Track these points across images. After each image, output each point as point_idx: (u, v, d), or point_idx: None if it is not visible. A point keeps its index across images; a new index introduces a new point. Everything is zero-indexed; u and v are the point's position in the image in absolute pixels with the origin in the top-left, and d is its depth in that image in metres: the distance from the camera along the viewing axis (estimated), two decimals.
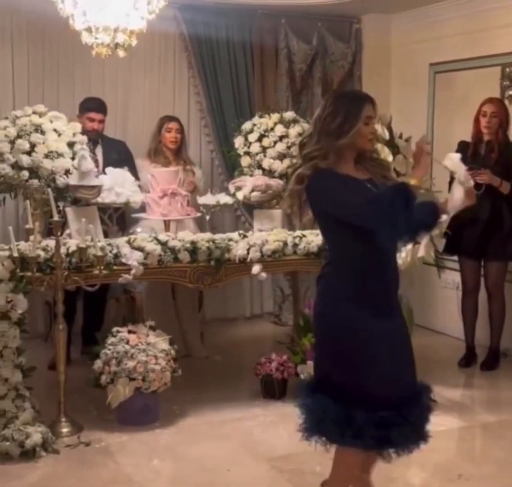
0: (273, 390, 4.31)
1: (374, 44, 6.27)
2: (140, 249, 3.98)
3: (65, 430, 3.82)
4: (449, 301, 5.59)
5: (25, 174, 4.18)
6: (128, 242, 4.01)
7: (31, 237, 3.76)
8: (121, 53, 4.07)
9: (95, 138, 5.03)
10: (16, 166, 4.19)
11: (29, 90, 5.67)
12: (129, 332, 4.02)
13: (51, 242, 3.83)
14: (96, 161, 5.03)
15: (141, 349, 3.89)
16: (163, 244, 4.02)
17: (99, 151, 5.15)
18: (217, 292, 6.04)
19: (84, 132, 4.90)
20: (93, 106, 5.11)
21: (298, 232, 4.38)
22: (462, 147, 5.02)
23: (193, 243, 4.06)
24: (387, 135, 4.64)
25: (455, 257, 5.13)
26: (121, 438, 3.80)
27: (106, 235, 4.37)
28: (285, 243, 4.27)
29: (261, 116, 5.00)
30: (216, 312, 6.33)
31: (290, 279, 5.81)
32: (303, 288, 6.14)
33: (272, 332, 6.05)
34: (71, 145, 4.34)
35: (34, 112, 4.37)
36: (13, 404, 3.72)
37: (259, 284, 6.47)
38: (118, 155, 5.09)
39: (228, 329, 6.14)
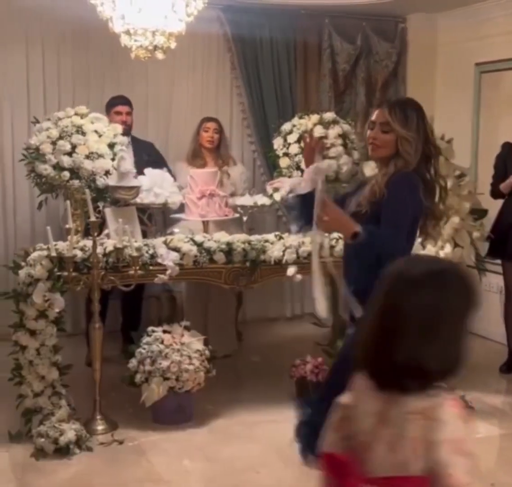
0: (307, 392, 4.29)
1: (419, 43, 6.20)
2: (176, 249, 4.01)
3: (100, 427, 3.88)
4: (492, 305, 5.49)
5: (66, 174, 4.25)
6: (165, 242, 4.04)
7: (69, 237, 3.82)
8: (159, 55, 4.10)
9: (126, 131, 5.10)
10: (58, 167, 4.27)
11: (75, 92, 5.75)
12: (164, 332, 4.05)
13: (88, 242, 3.88)
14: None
15: (175, 349, 3.92)
16: (199, 245, 4.04)
17: (129, 152, 5.20)
18: (257, 292, 6.04)
19: None
20: (117, 100, 5.22)
21: (335, 234, 4.34)
22: (507, 149, 4.93)
23: (228, 244, 4.07)
24: None
25: (499, 261, 5.04)
26: (154, 437, 3.84)
27: (145, 235, 4.41)
28: (321, 246, 4.23)
29: (301, 117, 4.97)
30: (257, 312, 6.34)
31: (330, 281, 5.76)
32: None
33: (312, 333, 6.02)
34: (111, 146, 4.39)
35: (76, 114, 4.44)
36: (49, 401, 3.79)
37: (300, 285, 6.43)
38: (148, 156, 5.14)
39: (268, 329, 6.14)
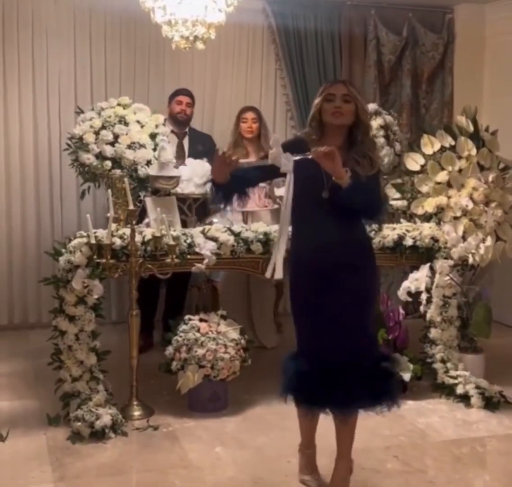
0: None
1: (467, 34, 6.11)
2: (214, 239, 4.04)
3: (135, 413, 3.93)
4: None
5: (108, 164, 4.32)
6: (203, 232, 4.07)
7: (108, 225, 3.87)
8: (200, 45, 4.13)
9: (183, 120, 5.16)
10: (100, 156, 4.34)
11: (121, 83, 5.84)
12: (201, 320, 4.08)
13: (128, 230, 3.93)
14: (183, 152, 5.16)
15: (211, 338, 3.95)
16: (236, 234, 4.06)
17: (186, 142, 5.28)
18: None
19: (173, 117, 5.16)
20: (180, 90, 5.34)
21: (373, 226, 4.32)
22: None
23: (265, 234, 4.08)
24: (471, 128, 4.51)
25: None
26: (189, 424, 3.87)
27: (185, 225, 4.45)
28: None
29: None
30: None
31: None
32: (387, 282, 6.07)
33: None
34: (153, 136, 4.44)
35: (119, 104, 4.50)
36: (87, 386, 3.86)
37: None
38: (203, 147, 5.19)
39: None
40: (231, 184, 2.94)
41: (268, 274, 3.04)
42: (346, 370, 2.93)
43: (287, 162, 2.86)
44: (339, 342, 2.94)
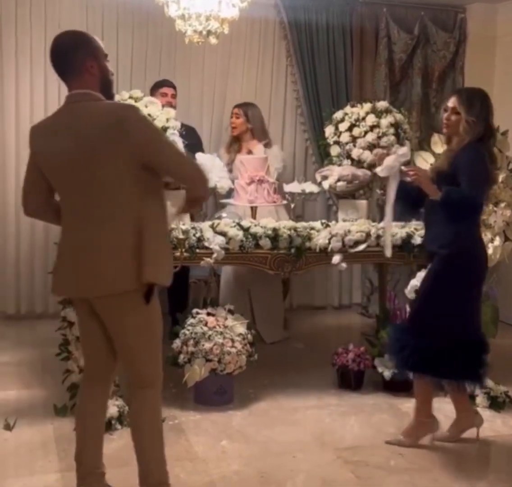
0: (348, 381, 4.30)
1: (478, 34, 6.11)
2: (222, 234, 4.05)
3: None
4: None
5: None
6: (212, 226, 4.08)
7: None
8: (213, 40, 4.14)
9: None
10: None
11: (132, 76, 5.85)
12: (208, 314, 4.10)
13: None
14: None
15: (219, 332, 3.97)
16: (245, 230, 4.07)
17: None
18: (305, 280, 6.08)
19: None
20: (164, 81, 5.34)
21: (382, 224, 4.33)
22: None
23: (274, 230, 4.09)
24: None
25: None
26: (195, 417, 3.90)
27: (193, 219, 4.46)
28: (368, 234, 4.24)
29: (353, 106, 4.95)
30: (304, 300, 6.37)
31: (379, 271, 5.75)
32: (393, 281, 6.08)
33: (358, 323, 6.03)
34: (164, 130, 4.44)
35: (130, 97, 4.50)
36: None
37: (349, 275, 6.45)
38: (189, 140, 5.19)
39: (315, 317, 6.17)
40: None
41: (388, 253, 3.83)
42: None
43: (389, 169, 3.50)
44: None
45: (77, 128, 2.61)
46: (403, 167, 3.48)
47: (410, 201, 3.62)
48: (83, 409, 2.94)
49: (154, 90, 5.29)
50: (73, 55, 2.65)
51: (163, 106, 5.05)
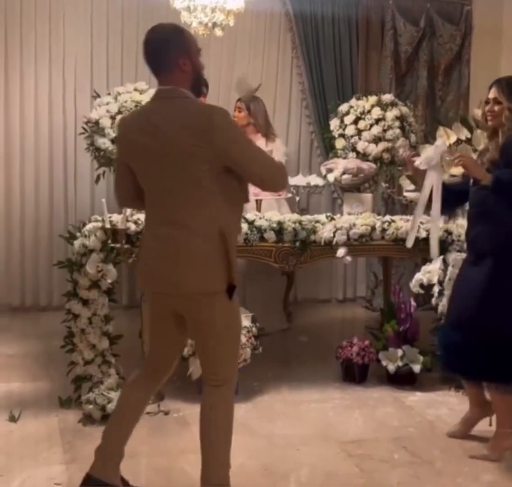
0: (353, 374, 4.30)
1: (484, 26, 6.08)
2: None
3: None
4: None
5: None
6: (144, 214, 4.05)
7: (123, 210, 3.88)
8: (218, 32, 4.13)
9: None
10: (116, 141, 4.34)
11: (137, 68, 5.82)
12: None
13: (142, 216, 3.93)
14: None
15: None
16: (250, 223, 4.07)
17: None
18: (310, 273, 6.07)
19: None
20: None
21: (387, 217, 4.33)
22: None
23: (279, 223, 4.09)
24: None
25: None
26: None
27: None
28: (373, 228, 4.23)
29: (358, 98, 4.94)
30: (308, 293, 6.37)
31: (383, 265, 5.74)
32: (398, 274, 6.07)
33: (362, 316, 6.03)
34: None
35: (135, 89, 4.50)
36: (99, 369, 3.88)
37: (353, 268, 6.45)
38: None
39: (319, 310, 6.16)
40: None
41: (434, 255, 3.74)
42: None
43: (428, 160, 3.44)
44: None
45: (161, 126, 2.59)
46: (446, 156, 3.46)
47: (452, 198, 3.54)
48: (128, 397, 2.93)
49: None
50: (165, 53, 2.60)
51: None
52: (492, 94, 3.33)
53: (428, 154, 3.47)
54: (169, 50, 2.60)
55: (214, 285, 2.62)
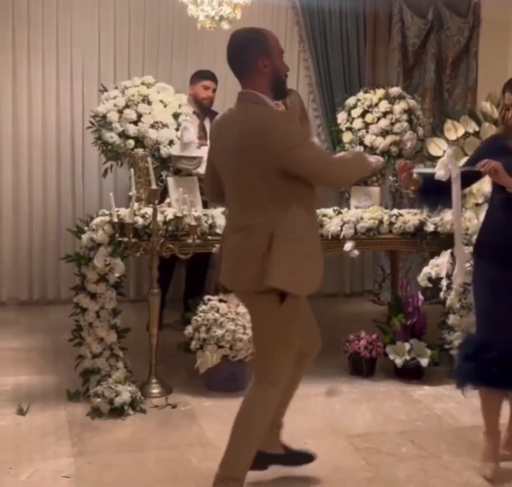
0: (360, 368, 4.31)
1: (493, 19, 6.04)
2: None
3: (154, 391, 3.97)
4: None
5: (131, 143, 4.32)
6: (224, 213, 4.08)
7: (131, 204, 3.89)
8: (225, 26, 4.12)
9: (208, 106, 5.15)
10: (123, 135, 4.34)
11: (144, 62, 5.83)
12: (220, 301, 4.11)
13: (150, 210, 3.95)
14: (205, 133, 5.16)
15: (230, 318, 3.98)
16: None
17: (207, 123, 5.27)
18: None
19: (198, 101, 5.09)
20: (207, 75, 5.27)
21: (394, 211, 4.32)
22: None
23: None
24: (496, 114, 4.47)
25: None
26: (207, 403, 3.91)
27: (206, 205, 4.46)
28: (381, 222, 4.22)
29: (366, 91, 4.93)
30: None
31: (390, 258, 5.74)
32: (405, 268, 6.06)
33: (369, 310, 6.01)
34: (176, 116, 4.44)
35: (142, 83, 4.49)
36: (107, 362, 3.90)
37: (360, 262, 6.43)
38: None
39: (326, 305, 6.13)
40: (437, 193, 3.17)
41: (459, 280, 3.72)
42: None
43: (448, 171, 3.09)
44: None
45: (232, 130, 2.68)
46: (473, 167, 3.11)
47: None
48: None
49: (196, 80, 5.21)
50: (246, 55, 2.65)
51: (203, 99, 5.07)
52: (508, 100, 3.12)
53: (445, 164, 3.16)
54: (249, 52, 2.65)
55: (252, 284, 2.68)
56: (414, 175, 3.18)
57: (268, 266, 2.61)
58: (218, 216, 4.05)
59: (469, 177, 3.14)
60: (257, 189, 2.66)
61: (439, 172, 3.12)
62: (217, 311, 4.01)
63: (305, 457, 3.13)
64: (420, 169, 3.26)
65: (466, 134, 4.51)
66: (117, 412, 3.68)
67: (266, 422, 2.84)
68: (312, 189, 2.74)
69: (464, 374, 3.15)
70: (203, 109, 5.24)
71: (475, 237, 4.22)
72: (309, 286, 2.77)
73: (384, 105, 4.75)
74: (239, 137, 2.64)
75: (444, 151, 3.42)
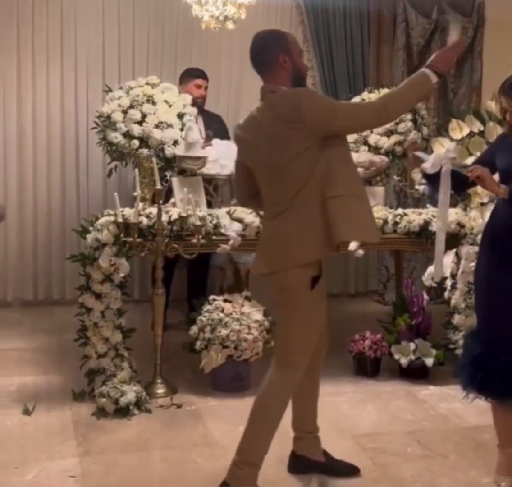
0: (365, 368, 4.30)
1: (497, 18, 6.04)
2: (239, 220, 4.05)
3: (159, 391, 3.96)
4: None
5: (136, 143, 4.34)
6: (228, 213, 4.08)
7: (135, 204, 3.89)
8: (229, 25, 4.12)
9: (201, 105, 5.15)
10: (128, 135, 4.35)
11: (148, 62, 5.85)
12: (225, 301, 4.11)
13: (154, 210, 3.95)
14: (199, 133, 5.16)
15: (235, 318, 3.97)
16: (262, 216, 4.05)
17: (200, 122, 5.26)
18: None
19: (192, 99, 5.04)
20: (198, 73, 5.23)
21: (399, 211, 4.32)
22: None
23: None
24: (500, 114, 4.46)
25: None
26: (212, 403, 3.91)
27: (210, 205, 4.45)
28: (385, 221, 4.22)
29: (370, 91, 4.92)
30: None
31: (395, 258, 5.73)
32: (410, 268, 6.06)
33: (374, 310, 6.01)
34: (180, 116, 4.45)
35: (147, 83, 4.50)
36: (112, 362, 3.90)
37: (365, 262, 6.43)
38: (217, 126, 5.18)
39: (330, 305, 6.03)
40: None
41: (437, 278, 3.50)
42: None
43: (438, 166, 3.05)
44: None
45: (262, 122, 2.76)
46: (462, 169, 3.04)
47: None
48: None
49: (188, 79, 5.16)
50: (266, 52, 2.79)
51: (197, 98, 5.04)
52: (504, 103, 3.08)
53: (437, 158, 3.13)
54: (270, 49, 2.78)
55: (308, 255, 2.77)
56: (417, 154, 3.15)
57: (332, 224, 2.66)
58: (222, 216, 4.05)
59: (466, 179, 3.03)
60: (295, 169, 2.70)
61: (427, 163, 3.09)
62: (222, 311, 4.01)
63: (347, 468, 3.13)
64: (421, 153, 3.19)
65: (471, 134, 4.50)
66: (123, 412, 3.68)
67: (284, 407, 2.87)
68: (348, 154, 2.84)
69: (469, 383, 3.01)
70: (197, 108, 5.21)
71: (479, 237, 4.26)
72: (370, 233, 2.84)
73: None
74: (274, 123, 2.70)
75: (446, 148, 3.36)
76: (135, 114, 4.33)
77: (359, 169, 4.56)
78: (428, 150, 4.76)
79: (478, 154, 4.43)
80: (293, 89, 2.75)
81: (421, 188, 4.58)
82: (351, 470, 3.13)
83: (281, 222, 2.77)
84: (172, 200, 4.29)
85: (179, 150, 4.31)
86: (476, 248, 4.27)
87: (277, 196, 2.79)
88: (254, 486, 2.86)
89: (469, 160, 4.43)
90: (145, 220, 3.91)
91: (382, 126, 2.86)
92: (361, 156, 4.55)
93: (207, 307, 4.07)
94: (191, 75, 5.20)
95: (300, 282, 2.78)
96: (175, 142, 4.37)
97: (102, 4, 5.69)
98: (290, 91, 2.75)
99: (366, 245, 4.17)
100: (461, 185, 3.16)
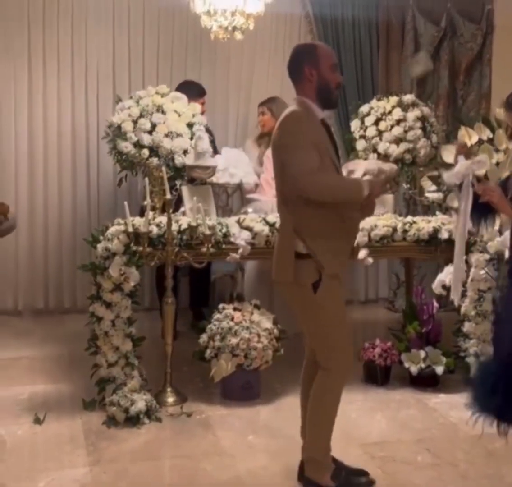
0: (375, 376, 4.29)
1: (506, 25, 6.02)
2: (248, 229, 4.06)
3: (170, 399, 3.97)
4: None
5: (146, 152, 4.35)
6: (238, 222, 4.09)
7: (146, 213, 3.91)
8: (238, 36, 4.14)
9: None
10: (138, 145, 4.37)
11: (159, 71, 5.88)
12: (235, 309, 4.11)
13: (164, 219, 3.97)
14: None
15: (245, 327, 3.98)
16: (271, 225, 4.07)
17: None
18: None
19: None
20: (202, 90, 5.23)
21: (409, 218, 4.32)
22: None
23: None
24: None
25: None
26: (222, 412, 3.92)
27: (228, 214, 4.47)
28: (395, 229, 4.22)
29: (379, 99, 4.93)
30: None
31: (405, 265, 5.72)
32: (419, 275, 6.04)
33: (384, 318, 6.00)
34: (190, 125, 4.46)
35: (157, 93, 4.52)
36: (122, 371, 3.91)
37: (375, 269, 6.43)
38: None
39: None
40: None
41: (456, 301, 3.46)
42: None
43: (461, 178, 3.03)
44: None
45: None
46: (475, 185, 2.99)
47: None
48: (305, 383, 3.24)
49: (195, 97, 4.94)
50: (297, 64, 2.94)
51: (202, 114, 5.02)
52: (508, 118, 3.17)
53: (460, 168, 3.03)
54: (298, 62, 2.93)
55: (284, 277, 2.96)
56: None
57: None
58: (232, 225, 4.06)
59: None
60: (281, 191, 2.97)
61: (450, 173, 3.08)
62: (232, 320, 4.02)
63: (357, 473, 3.14)
64: (462, 158, 3.11)
65: (480, 141, 4.50)
66: (133, 420, 3.69)
67: (335, 407, 3.05)
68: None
69: (485, 409, 2.88)
70: None
71: (489, 244, 4.26)
72: (333, 266, 2.99)
73: (397, 113, 4.75)
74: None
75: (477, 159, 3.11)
76: (145, 123, 4.35)
77: (368, 177, 4.56)
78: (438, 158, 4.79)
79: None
80: (288, 112, 2.93)
81: (430, 195, 4.58)
82: (361, 476, 3.15)
83: (279, 233, 3.17)
84: (182, 209, 4.31)
85: (189, 160, 4.33)
86: (487, 256, 4.28)
87: (279, 210, 3.11)
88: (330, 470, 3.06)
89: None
90: (155, 229, 3.93)
91: (295, 189, 2.86)
92: (370, 164, 4.55)
93: (216, 315, 4.08)
94: (197, 93, 5.11)
95: (302, 289, 2.96)
96: (185, 152, 4.38)
97: (112, 15, 5.72)
98: (287, 111, 2.95)
99: (375, 253, 4.17)
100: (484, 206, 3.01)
